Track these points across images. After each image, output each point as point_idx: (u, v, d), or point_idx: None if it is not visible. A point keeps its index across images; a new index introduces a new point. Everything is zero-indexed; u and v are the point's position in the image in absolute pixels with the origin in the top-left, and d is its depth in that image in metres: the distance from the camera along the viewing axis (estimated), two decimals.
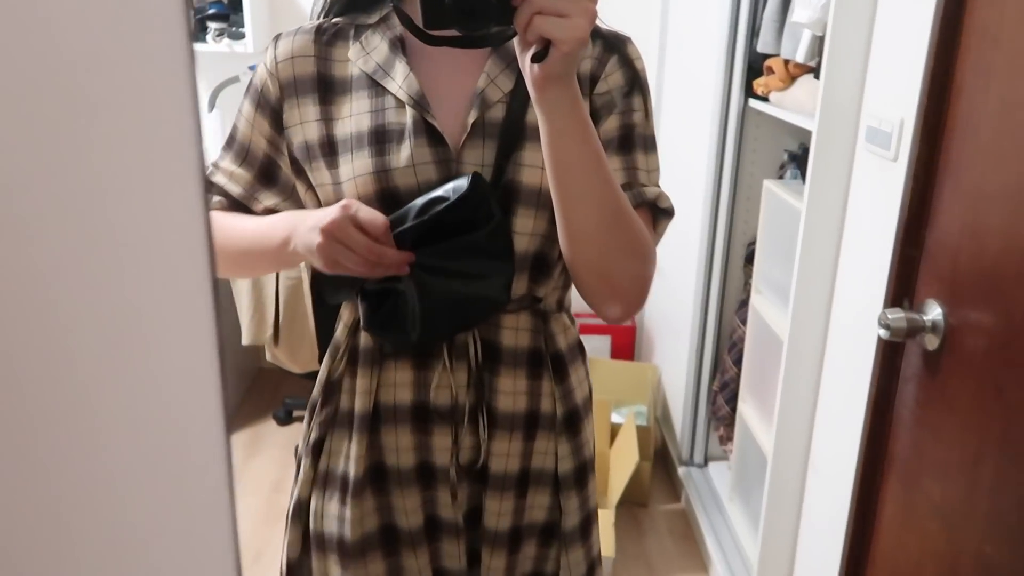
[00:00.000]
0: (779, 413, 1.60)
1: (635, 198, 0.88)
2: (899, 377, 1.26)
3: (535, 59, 0.72)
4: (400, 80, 0.88)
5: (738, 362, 2.22)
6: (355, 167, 0.87)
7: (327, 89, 0.90)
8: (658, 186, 0.92)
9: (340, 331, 0.99)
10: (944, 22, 1.11)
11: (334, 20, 0.93)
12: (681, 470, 2.48)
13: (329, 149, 0.89)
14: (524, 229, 0.88)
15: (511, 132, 0.86)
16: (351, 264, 0.81)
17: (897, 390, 1.26)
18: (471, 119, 0.86)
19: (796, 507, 1.65)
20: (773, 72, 1.83)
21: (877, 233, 1.31)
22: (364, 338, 0.94)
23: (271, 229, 0.89)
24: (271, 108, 0.91)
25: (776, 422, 1.61)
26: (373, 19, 0.92)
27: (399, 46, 0.89)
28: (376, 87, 0.88)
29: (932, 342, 1.15)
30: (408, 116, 0.86)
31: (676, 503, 2.49)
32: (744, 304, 2.21)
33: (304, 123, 0.90)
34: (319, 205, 0.91)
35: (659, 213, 0.91)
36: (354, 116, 0.88)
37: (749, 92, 2.06)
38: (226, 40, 2.81)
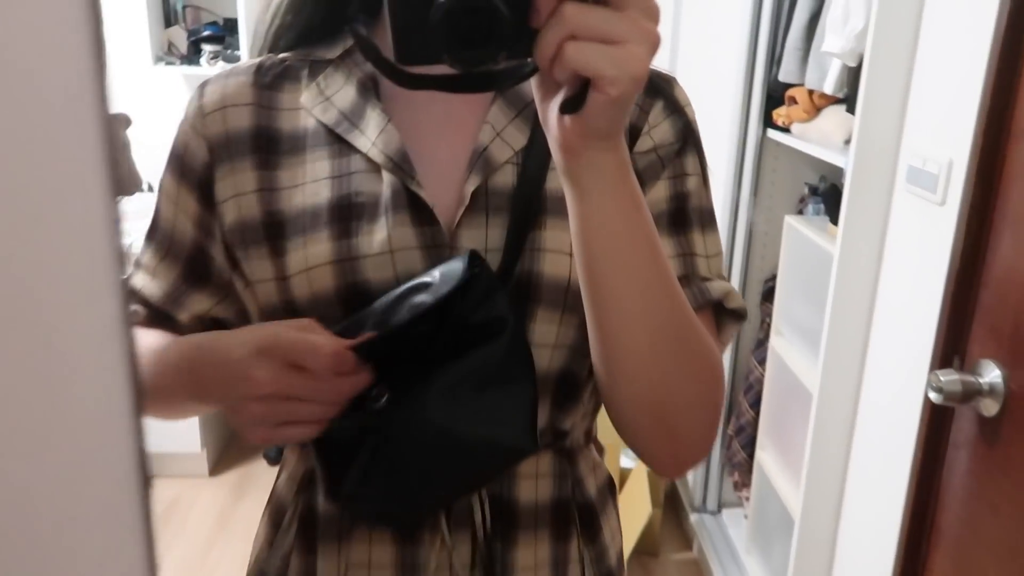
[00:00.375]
0: (808, 471, 1.48)
1: (696, 297, 0.65)
2: (948, 443, 1.14)
3: (566, 108, 0.47)
4: (373, 134, 0.64)
5: (755, 405, 2.10)
6: (308, 255, 0.62)
7: (271, 148, 0.65)
8: (722, 277, 0.69)
9: (284, 485, 0.71)
10: (1003, 53, 1.01)
11: (280, 56, 0.69)
12: (693, 516, 2.36)
13: (273, 231, 0.64)
14: (546, 339, 0.63)
15: (526, 204, 0.63)
16: (301, 430, 0.57)
17: (946, 457, 1.15)
18: (470, 187, 0.63)
19: (825, 574, 1.52)
20: (796, 102, 1.73)
21: (920, 282, 1.20)
22: (322, 495, 0.68)
23: (159, 366, 0.63)
24: (197, 178, 0.66)
25: (804, 481, 1.49)
26: (334, 53, 0.67)
27: (371, 88, 0.66)
28: (339, 144, 0.64)
29: (990, 407, 1.03)
30: (385, 184, 0.63)
31: (688, 552, 2.36)
32: (761, 344, 2.10)
33: (239, 196, 0.65)
34: (259, 309, 0.66)
35: (725, 315, 0.68)
36: (308, 184, 0.64)
37: (768, 122, 1.96)
38: (221, 63, 2.72)
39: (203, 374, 0.60)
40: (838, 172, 1.87)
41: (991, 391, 1.02)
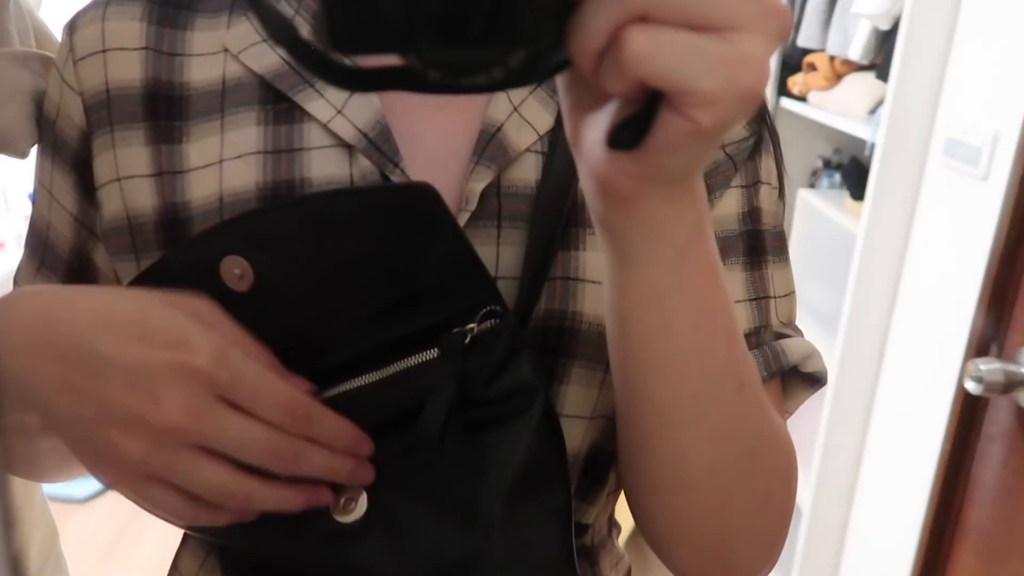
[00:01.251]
0: (819, 462, 1.41)
1: (768, 364, 0.47)
2: (980, 435, 1.07)
3: (620, 141, 0.28)
4: (338, 98, 0.44)
5: None
6: None
7: (172, 112, 0.45)
8: (795, 326, 0.51)
9: (186, 563, 0.52)
10: None
11: None
12: None
13: (170, 233, 0.44)
14: (580, 410, 0.45)
15: (554, 214, 0.43)
16: (204, 513, 0.37)
17: (977, 450, 1.08)
18: (478, 184, 0.43)
19: (834, 568, 1.46)
20: (815, 69, 1.64)
21: (954, 263, 1.12)
22: None
23: None
24: (73, 152, 0.47)
25: (815, 472, 1.42)
26: None
27: None
28: (279, 106, 0.44)
29: None
30: (352, 170, 0.43)
31: None
32: None
33: (124, 180, 0.45)
34: None
35: (798, 379, 0.50)
36: (226, 162, 0.43)
37: (782, 90, 1.86)
38: None
39: (54, 354, 0.35)
40: (855, 144, 1.78)
41: None
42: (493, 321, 0.39)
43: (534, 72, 0.28)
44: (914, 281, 1.24)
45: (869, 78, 1.49)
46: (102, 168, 0.45)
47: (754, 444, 0.40)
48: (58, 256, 0.49)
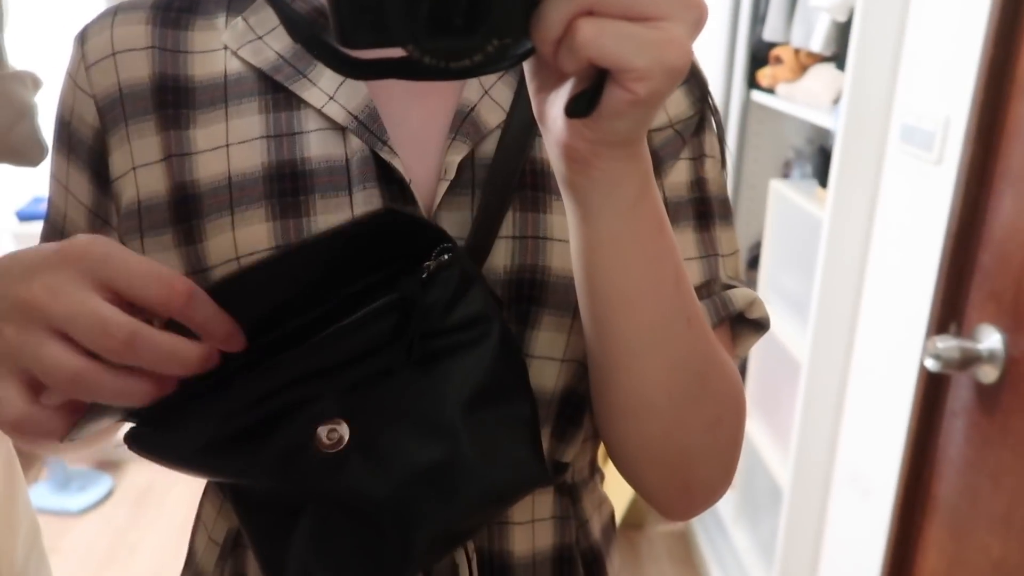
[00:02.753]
0: (797, 443, 1.45)
1: (718, 310, 0.54)
2: (944, 411, 1.11)
3: (574, 110, 0.35)
4: (330, 86, 0.50)
5: (741, 374, 2.07)
6: (239, 239, 0.48)
7: (179, 101, 0.50)
8: (740, 278, 0.58)
9: (203, 551, 0.57)
10: (1005, 2, 0.95)
11: None
12: None
13: (182, 209, 0.49)
14: (552, 352, 0.51)
15: (504, 179, 0.50)
16: (68, 417, 0.39)
17: (942, 426, 1.11)
18: (455, 156, 0.49)
19: (815, 546, 1.50)
20: (781, 62, 1.67)
21: (914, 245, 1.15)
22: (253, 560, 0.54)
23: None
24: (87, 150, 0.52)
25: (794, 452, 1.46)
26: None
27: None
28: (276, 95, 0.50)
29: (989, 374, 0.99)
30: (347, 149, 0.49)
31: (675, 524, 2.33)
32: None
33: (139, 168, 0.50)
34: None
35: (745, 325, 0.56)
36: (233, 146, 0.49)
37: (752, 84, 1.90)
38: None
39: None
40: (826, 134, 1.82)
41: (990, 357, 0.98)
42: (446, 256, 0.44)
43: (506, 58, 0.35)
44: (879, 264, 1.28)
45: (831, 69, 1.53)
46: (119, 162, 0.51)
47: (703, 371, 0.47)
48: None
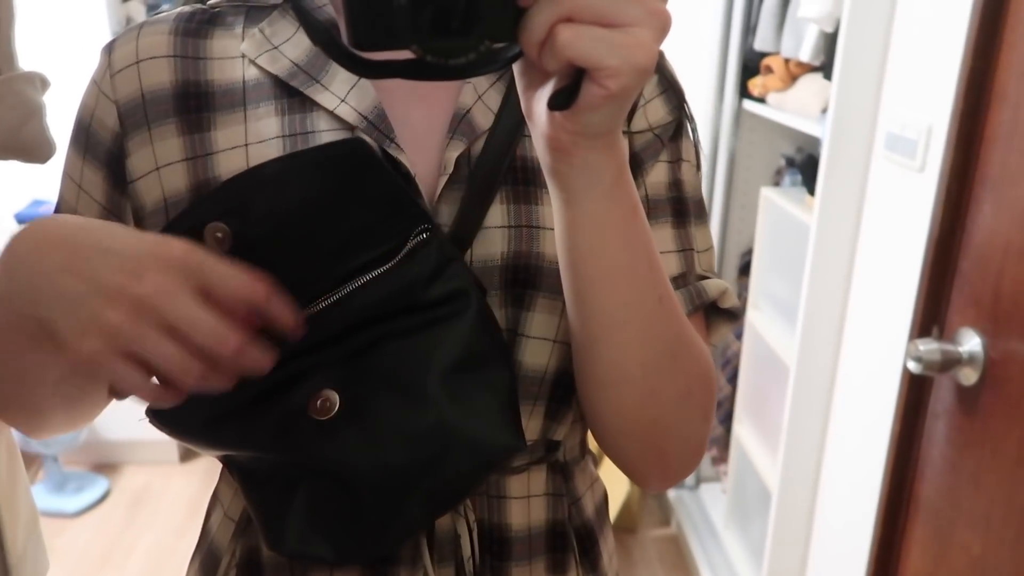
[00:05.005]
0: (785, 445, 1.47)
1: (692, 299, 0.59)
2: (927, 413, 1.13)
3: (555, 103, 0.40)
4: (342, 90, 0.54)
5: (732, 380, 2.09)
6: None
7: (200, 106, 0.54)
8: (715, 272, 0.63)
9: (218, 528, 0.61)
10: (984, 15, 0.98)
11: (210, 3, 0.59)
12: (671, 492, 2.35)
13: None
14: (545, 333, 0.55)
15: (487, 174, 0.55)
16: (151, 389, 0.43)
17: (925, 428, 1.13)
18: (453, 153, 0.54)
19: (803, 548, 1.52)
20: (772, 71, 1.70)
21: (898, 251, 1.18)
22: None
23: None
24: (105, 152, 0.56)
25: (782, 455, 1.48)
26: None
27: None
28: (291, 99, 0.55)
29: (969, 376, 1.02)
30: None
31: (666, 528, 2.35)
32: None
33: (162, 168, 0.54)
34: None
35: (718, 315, 0.62)
36: (251, 145, 0.53)
37: (744, 93, 1.93)
38: None
39: (54, 251, 0.43)
40: (815, 143, 1.84)
41: (970, 360, 1.01)
42: (424, 235, 0.49)
43: (498, 59, 0.41)
44: (865, 269, 1.30)
45: (819, 79, 1.55)
46: (139, 163, 0.55)
47: (674, 347, 0.52)
48: None
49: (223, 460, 0.54)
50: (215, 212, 0.46)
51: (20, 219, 2.51)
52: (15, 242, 0.45)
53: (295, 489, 0.49)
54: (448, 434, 0.48)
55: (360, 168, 0.47)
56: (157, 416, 0.48)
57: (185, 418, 0.48)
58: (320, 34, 0.41)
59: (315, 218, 0.47)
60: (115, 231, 0.44)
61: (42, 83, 0.61)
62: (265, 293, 0.44)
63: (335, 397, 0.47)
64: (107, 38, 2.59)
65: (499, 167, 0.54)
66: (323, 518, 0.49)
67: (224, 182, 0.47)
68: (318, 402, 0.47)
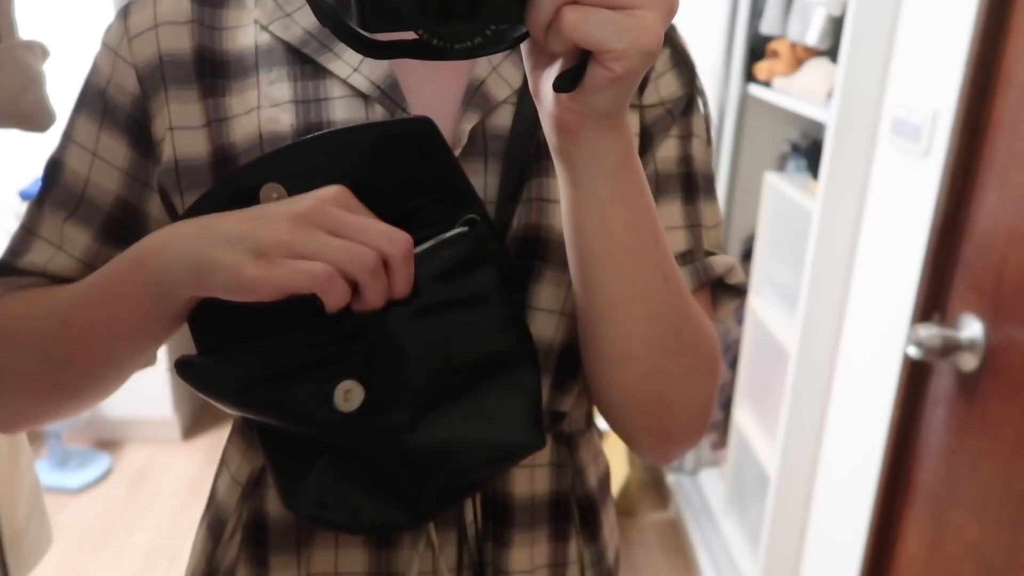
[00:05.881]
0: (785, 431, 1.47)
1: (699, 275, 0.59)
2: (926, 399, 1.13)
3: (560, 85, 0.40)
4: (354, 59, 0.55)
5: (732, 365, 2.09)
6: None
7: (216, 72, 0.55)
8: (722, 248, 0.63)
9: (225, 491, 0.62)
10: (992, 0, 0.97)
11: None
12: (671, 477, 2.36)
13: (222, 170, 0.54)
14: (551, 305, 0.56)
15: (523, 149, 0.54)
16: (312, 270, 0.44)
17: (924, 413, 1.14)
18: (467, 125, 0.54)
19: (800, 532, 1.52)
20: (778, 56, 1.69)
21: (901, 236, 1.18)
22: (274, 500, 0.59)
23: (109, 272, 0.50)
24: (126, 116, 0.55)
25: (781, 440, 1.48)
26: None
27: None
28: (303, 66, 0.55)
29: (969, 362, 1.02)
30: (368, 115, 0.55)
31: (665, 512, 2.36)
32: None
33: (177, 130, 0.54)
34: None
35: (724, 291, 0.61)
36: (264, 109, 0.54)
37: (749, 77, 1.91)
38: None
39: (189, 230, 0.46)
40: (820, 128, 1.84)
41: (971, 346, 1.01)
42: (462, 228, 0.49)
43: (503, 41, 0.41)
44: (867, 254, 1.30)
45: (826, 63, 1.55)
46: (160, 125, 0.55)
47: (678, 324, 0.52)
48: (96, 208, 0.56)
49: (244, 418, 0.55)
50: (273, 173, 0.47)
51: (24, 196, 2.51)
52: (168, 239, 0.47)
53: (317, 455, 0.50)
54: (468, 432, 0.49)
55: (423, 147, 0.48)
56: (186, 371, 0.48)
57: (215, 378, 0.48)
58: (327, 15, 0.41)
59: (373, 190, 0.48)
60: (259, 207, 0.46)
61: (42, 52, 0.61)
62: (406, 242, 0.45)
63: (359, 391, 0.48)
64: (107, 6, 2.58)
65: (532, 140, 0.54)
66: (342, 487, 0.50)
67: (286, 145, 0.48)
68: (343, 393, 0.48)
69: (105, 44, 0.57)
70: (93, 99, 0.56)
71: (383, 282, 0.45)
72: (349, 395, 0.48)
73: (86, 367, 0.53)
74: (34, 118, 0.59)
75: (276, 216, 0.44)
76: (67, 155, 0.57)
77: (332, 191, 0.46)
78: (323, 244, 0.43)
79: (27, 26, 0.65)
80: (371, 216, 0.46)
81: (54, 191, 0.57)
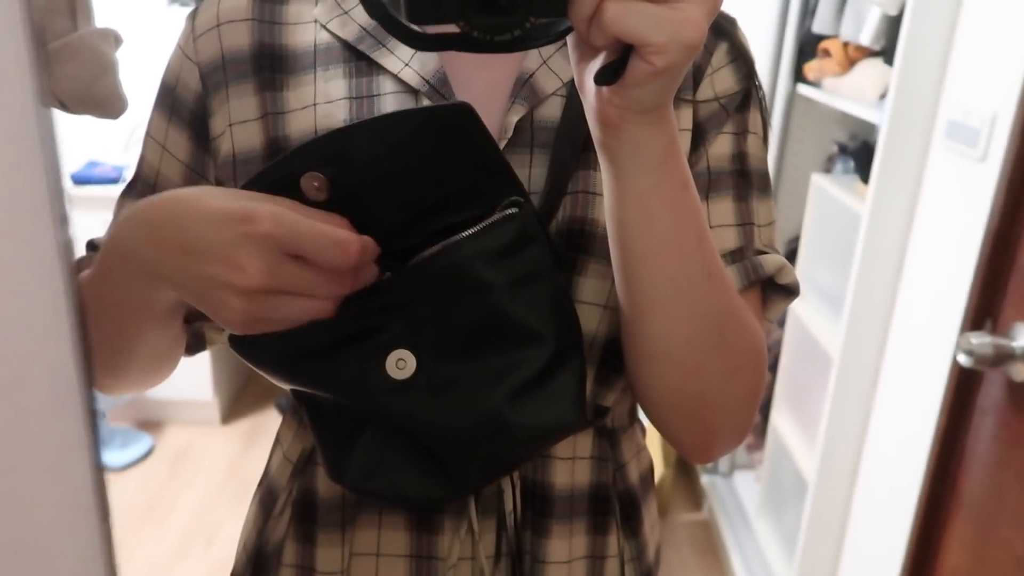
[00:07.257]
0: (825, 436, 1.45)
1: (748, 274, 0.57)
2: (975, 408, 1.11)
3: (601, 79, 0.41)
4: (406, 54, 0.56)
5: (772, 367, 2.07)
6: None
7: (275, 67, 0.57)
8: (775, 248, 0.61)
9: (277, 467, 0.64)
10: None
11: None
12: (704, 478, 2.34)
13: (273, 159, 0.55)
14: (595, 298, 0.56)
15: (572, 141, 0.54)
16: (298, 312, 0.46)
17: (972, 423, 1.11)
18: (514, 117, 0.55)
19: (838, 539, 1.50)
20: (829, 55, 1.66)
21: (953, 242, 1.15)
22: (323, 479, 0.60)
23: (102, 269, 0.50)
24: (190, 112, 0.58)
25: (821, 445, 1.46)
26: None
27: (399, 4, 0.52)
28: (359, 63, 0.57)
29: (1021, 372, 0.99)
30: None
31: (697, 512, 2.35)
32: None
33: (236, 125, 0.56)
34: None
35: (775, 290, 0.60)
36: (320, 105, 0.56)
37: (798, 77, 1.89)
38: None
39: (170, 243, 0.45)
40: (870, 130, 1.80)
41: None
42: (512, 210, 0.49)
43: (546, 34, 0.42)
44: (917, 260, 1.28)
45: (879, 63, 1.52)
46: (219, 122, 0.57)
47: (721, 323, 0.51)
48: None
49: (293, 392, 0.56)
50: (314, 161, 0.47)
51: (76, 180, 2.57)
52: (133, 226, 0.47)
53: (363, 428, 0.51)
54: (513, 409, 0.49)
55: (463, 132, 0.48)
56: (239, 343, 0.49)
57: (265, 350, 0.49)
58: (375, 7, 0.42)
59: (412, 175, 0.48)
60: (192, 214, 0.45)
61: (116, 40, 0.63)
62: (356, 251, 0.45)
63: (412, 359, 0.49)
64: (164, 2, 2.63)
65: (581, 131, 0.54)
66: (388, 459, 0.51)
67: (326, 133, 0.48)
68: (396, 361, 0.49)
69: (176, 44, 0.60)
70: (164, 96, 0.60)
71: (348, 287, 0.46)
72: (401, 363, 0.49)
73: (109, 347, 0.54)
74: (107, 105, 0.61)
75: (231, 285, 0.43)
76: (146, 148, 0.61)
77: (268, 211, 0.44)
78: (281, 313, 0.45)
79: (100, 14, 0.68)
80: (314, 221, 0.45)
81: (137, 182, 0.61)
